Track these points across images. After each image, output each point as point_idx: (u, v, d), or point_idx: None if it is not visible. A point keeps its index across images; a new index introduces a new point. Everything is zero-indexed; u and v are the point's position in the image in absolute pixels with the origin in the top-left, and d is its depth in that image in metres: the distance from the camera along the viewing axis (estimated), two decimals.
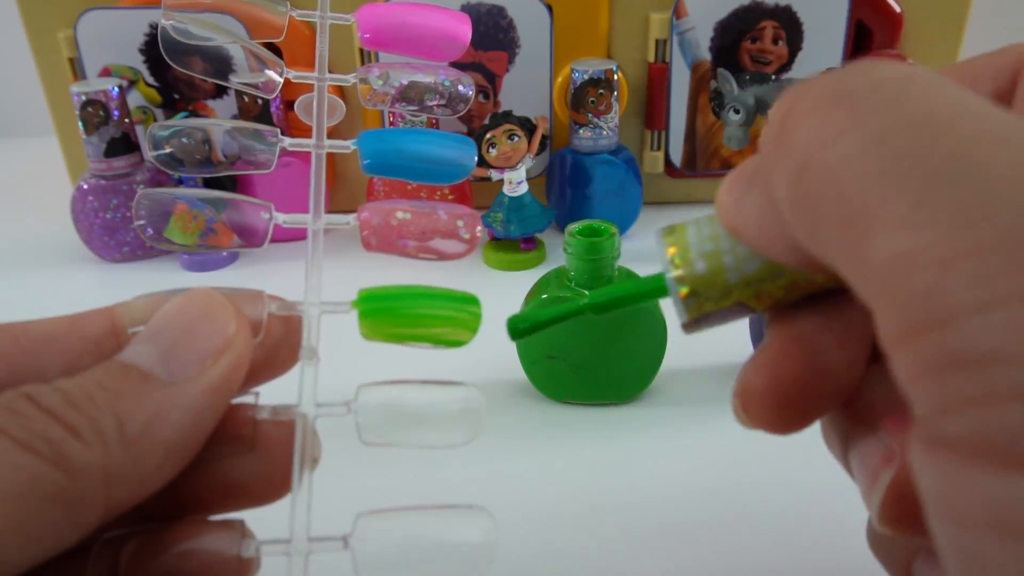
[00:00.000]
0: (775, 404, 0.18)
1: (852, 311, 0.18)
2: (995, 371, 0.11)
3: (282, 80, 0.23)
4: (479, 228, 0.23)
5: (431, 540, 0.20)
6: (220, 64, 0.23)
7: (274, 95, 0.23)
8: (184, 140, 0.23)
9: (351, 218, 0.22)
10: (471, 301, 0.22)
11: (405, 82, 0.24)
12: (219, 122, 0.23)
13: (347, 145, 0.23)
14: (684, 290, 0.18)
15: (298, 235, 0.60)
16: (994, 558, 0.11)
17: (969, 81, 0.19)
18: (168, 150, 0.23)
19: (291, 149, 0.23)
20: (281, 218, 0.22)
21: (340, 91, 0.57)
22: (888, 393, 0.18)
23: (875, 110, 0.14)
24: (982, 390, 0.11)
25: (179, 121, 0.23)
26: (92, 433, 0.16)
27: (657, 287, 0.19)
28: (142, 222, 0.22)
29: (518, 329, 0.21)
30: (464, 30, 0.24)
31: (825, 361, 0.18)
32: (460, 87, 0.24)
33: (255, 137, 0.23)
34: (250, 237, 0.22)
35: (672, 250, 0.19)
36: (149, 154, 0.24)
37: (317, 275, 0.22)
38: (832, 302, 0.18)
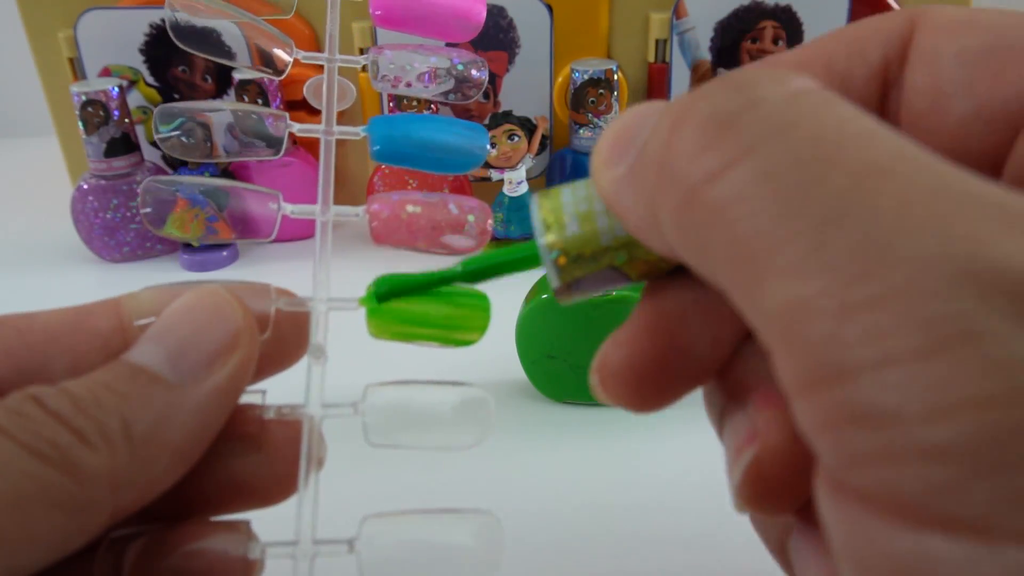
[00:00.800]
0: (631, 381, 0.17)
1: None
2: (896, 430, 0.11)
3: (292, 60, 0.23)
4: (490, 222, 0.22)
5: (437, 544, 0.20)
6: (226, 49, 0.22)
7: (284, 75, 0.23)
8: (184, 139, 0.23)
9: (360, 210, 0.22)
10: (480, 299, 0.21)
11: (416, 65, 0.23)
12: (224, 107, 0.23)
13: (357, 131, 0.22)
14: (555, 253, 0.17)
15: (299, 234, 0.60)
16: None
17: (857, 48, 0.18)
18: (171, 143, 0.23)
19: (300, 134, 0.22)
20: (289, 208, 0.22)
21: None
22: (757, 369, 0.17)
23: (761, 139, 0.13)
24: (885, 447, 0.11)
25: (183, 105, 0.23)
26: (99, 438, 0.16)
27: (530, 254, 0.19)
28: (148, 210, 0.22)
29: (381, 292, 0.20)
30: (479, 9, 0.24)
31: (686, 339, 0.17)
32: (474, 71, 0.24)
33: (258, 124, 0.22)
34: (256, 228, 0.22)
35: (544, 211, 0.18)
36: (155, 137, 0.23)
37: (325, 270, 0.21)
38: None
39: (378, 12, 0.23)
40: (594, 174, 0.17)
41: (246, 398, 0.20)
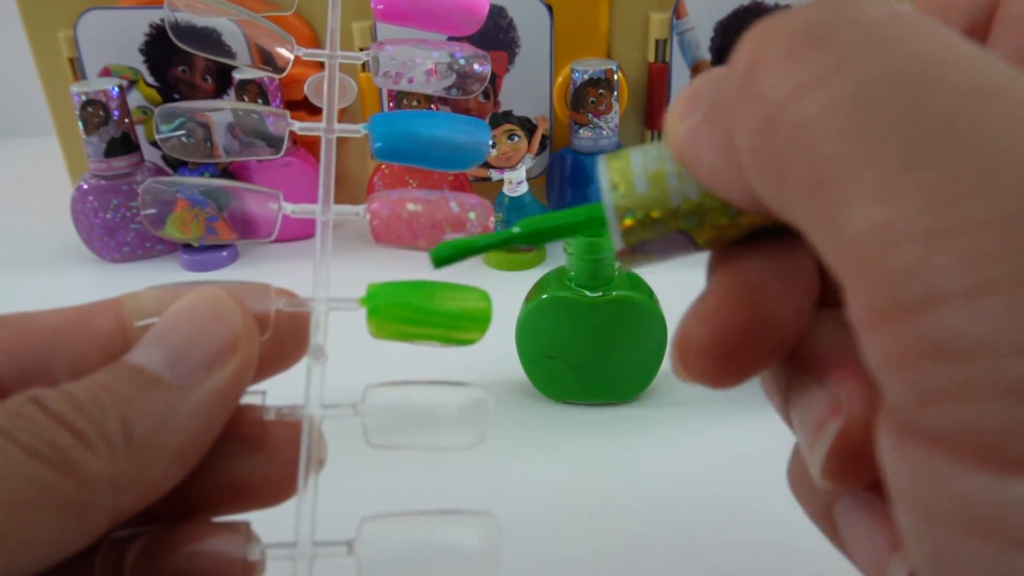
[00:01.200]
0: (717, 357, 0.16)
1: (801, 254, 0.17)
2: (983, 363, 0.10)
3: (293, 57, 0.22)
4: (492, 219, 0.22)
5: (435, 545, 0.20)
6: (227, 49, 0.22)
7: (285, 73, 0.23)
8: (184, 139, 0.23)
9: (361, 209, 0.22)
10: (481, 297, 0.21)
11: (418, 60, 0.23)
12: (225, 106, 0.23)
13: (358, 129, 0.22)
14: (622, 213, 0.17)
15: (299, 235, 0.60)
16: (974, 562, 0.11)
17: (940, 11, 0.17)
18: (171, 144, 0.23)
19: (301, 132, 0.22)
20: (290, 208, 0.22)
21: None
22: (835, 340, 0.17)
23: (856, 57, 0.12)
24: (967, 383, 0.10)
25: (184, 105, 0.23)
26: (100, 440, 0.16)
27: (594, 215, 0.17)
28: (152, 211, 0.21)
29: (442, 257, 0.19)
30: (481, 2, 0.23)
31: (771, 310, 0.16)
32: (476, 65, 0.23)
33: (259, 123, 0.22)
34: (256, 228, 0.22)
35: (613, 170, 0.17)
36: (156, 137, 0.23)
37: (326, 270, 0.21)
38: (779, 244, 0.17)
39: (380, 6, 0.23)
40: (667, 129, 0.16)
41: (246, 399, 0.20)
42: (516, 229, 0.18)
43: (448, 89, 0.23)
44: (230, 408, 0.19)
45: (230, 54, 0.22)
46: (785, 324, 0.16)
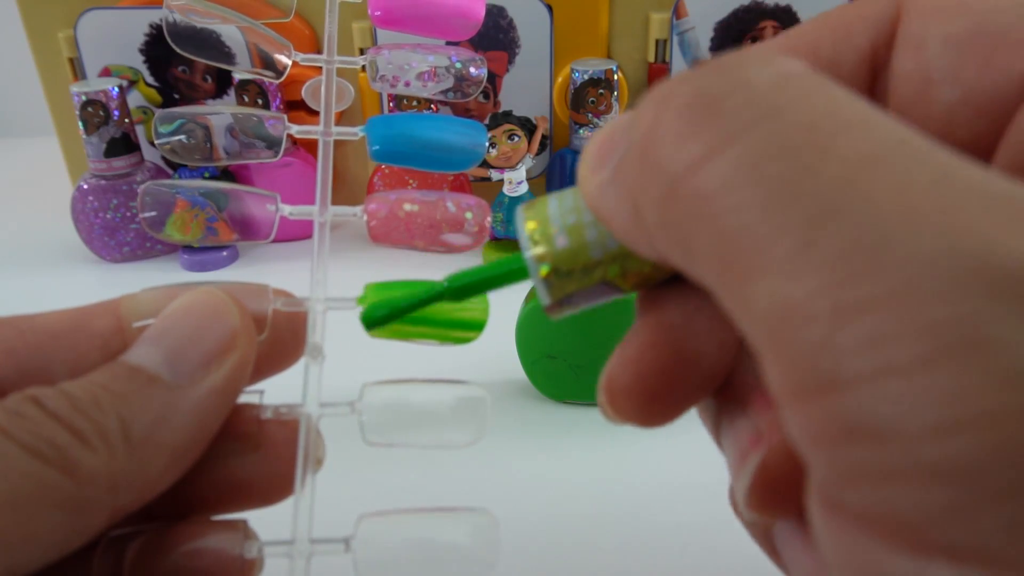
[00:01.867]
0: (643, 399, 0.16)
1: None
2: (895, 446, 0.10)
3: (291, 62, 0.23)
4: (488, 219, 0.22)
5: (433, 542, 0.20)
6: (225, 51, 0.22)
7: (283, 78, 0.23)
8: (184, 139, 0.23)
9: (358, 210, 0.22)
10: (479, 297, 0.21)
11: (416, 64, 0.23)
12: (223, 110, 0.23)
13: (355, 132, 0.22)
14: (545, 269, 0.16)
15: (299, 235, 0.60)
16: None
17: (844, 34, 0.17)
18: (170, 146, 0.23)
19: (298, 136, 0.22)
20: (287, 209, 0.22)
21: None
22: (753, 371, 0.17)
23: (748, 125, 0.12)
24: (883, 465, 0.10)
25: (183, 110, 0.23)
26: (98, 438, 0.16)
27: (517, 268, 0.17)
28: (151, 214, 0.22)
29: (374, 318, 0.19)
30: (478, 7, 0.23)
31: (694, 348, 0.16)
32: (472, 69, 0.23)
33: (258, 127, 0.22)
34: (255, 230, 0.22)
35: (531, 225, 0.17)
36: (155, 142, 0.23)
37: (323, 270, 0.21)
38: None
39: (377, 12, 0.23)
40: (580, 182, 0.16)
41: (244, 398, 0.20)
42: (444, 284, 0.19)
43: (445, 92, 0.23)
44: (228, 407, 0.19)
45: (228, 59, 0.22)
46: (709, 360, 0.17)
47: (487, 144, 0.22)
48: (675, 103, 0.13)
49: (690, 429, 0.37)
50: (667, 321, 0.17)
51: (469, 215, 0.22)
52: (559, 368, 0.38)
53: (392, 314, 0.19)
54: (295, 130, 0.22)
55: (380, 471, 0.34)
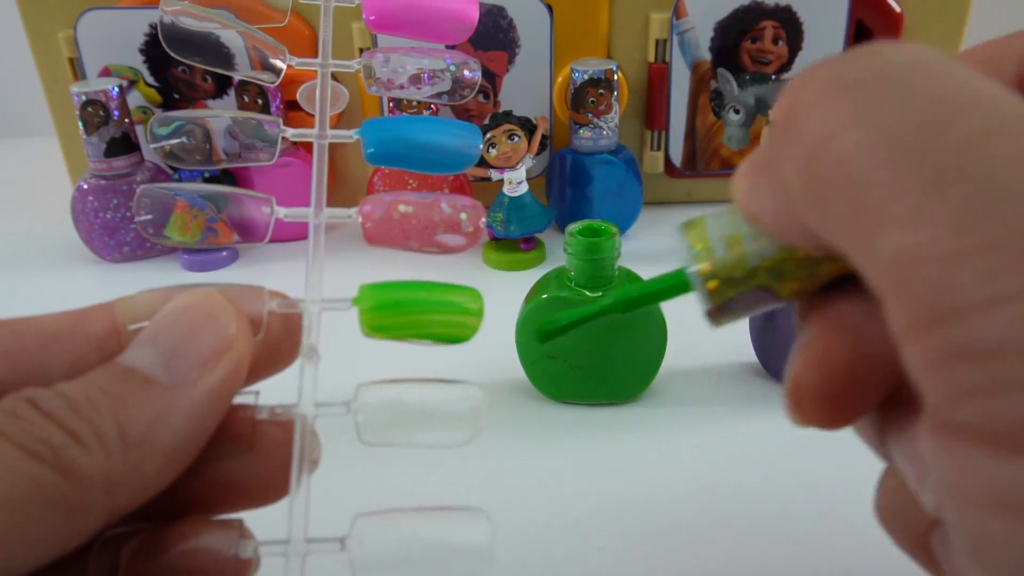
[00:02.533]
0: (829, 400, 0.17)
1: None
2: (1000, 363, 0.12)
3: (285, 67, 0.23)
4: (483, 220, 0.22)
5: (429, 542, 0.20)
6: (222, 53, 0.22)
7: (277, 82, 0.23)
8: (184, 140, 0.23)
9: (353, 211, 0.22)
10: (473, 296, 0.21)
11: (410, 67, 0.23)
12: (220, 113, 0.23)
13: (350, 135, 0.22)
14: (707, 278, 0.18)
15: (298, 235, 0.60)
16: (998, 536, 0.12)
17: (994, 61, 0.18)
18: (168, 149, 0.23)
19: (293, 139, 0.22)
20: (283, 212, 0.22)
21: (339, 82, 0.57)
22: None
23: (881, 100, 0.14)
24: (988, 381, 0.12)
25: (180, 113, 0.23)
26: (94, 438, 0.16)
27: (680, 282, 0.20)
28: (148, 216, 0.22)
29: (547, 332, 0.22)
30: (471, 11, 0.23)
31: (871, 348, 0.17)
32: (466, 71, 0.23)
33: (256, 129, 0.22)
34: (251, 232, 0.22)
35: (692, 239, 0.19)
36: (150, 146, 0.23)
37: (318, 271, 0.21)
38: (863, 285, 0.17)
39: (371, 17, 0.23)
40: (734, 194, 0.18)
41: (239, 399, 0.20)
42: (609, 300, 0.21)
43: (439, 95, 0.24)
44: (223, 408, 0.19)
45: (224, 63, 0.23)
46: (887, 360, 0.17)
47: (481, 146, 0.23)
48: (814, 85, 0.15)
49: (690, 429, 0.37)
50: (843, 322, 0.18)
51: (464, 216, 0.22)
52: (559, 368, 0.38)
53: (563, 329, 0.22)
54: (290, 133, 0.22)
55: (378, 471, 0.34)
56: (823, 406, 0.18)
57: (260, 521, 0.20)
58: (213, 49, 0.22)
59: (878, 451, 0.19)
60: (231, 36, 0.22)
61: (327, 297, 0.21)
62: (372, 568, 0.20)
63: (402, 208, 0.22)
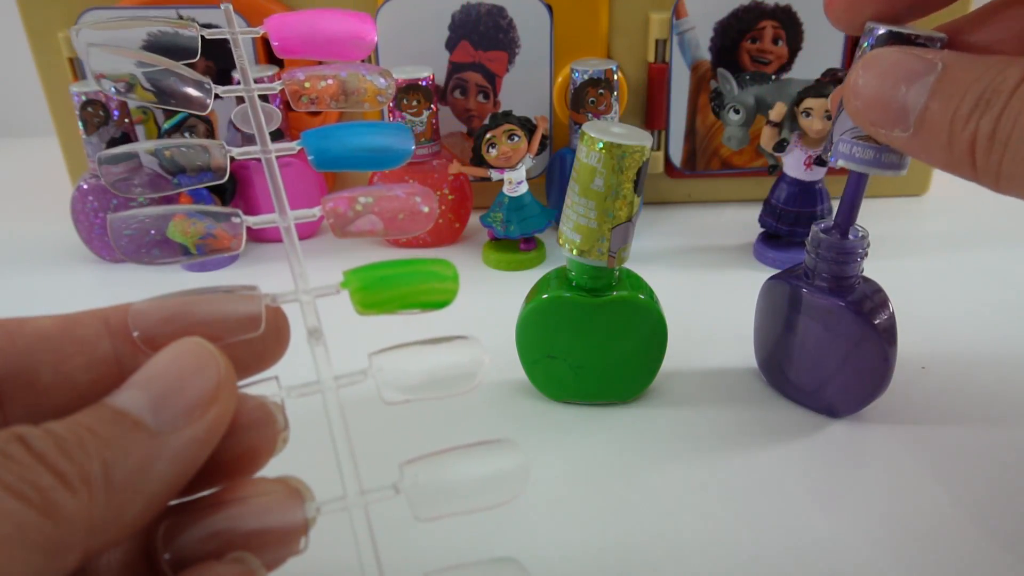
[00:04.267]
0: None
1: None
2: None
3: (211, 99, 0.24)
4: (435, 202, 0.24)
5: (471, 473, 0.22)
6: (149, 88, 0.24)
7: (207, 112, 0.25)
8: (186, 134, 0.24)
9: (316, 210, 0.24)
10: (446, 265, 0.23)
11: (330, 82, 0.25)
12: (157, 144, 0.24)
13: (292, 146, 0.24)
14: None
15: (299, 235, 0.60)
16: None
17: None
18: (120, 178, 0.25)
19: (239, 158, 0.24)
20: (251, 220, 0.23)
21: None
22: None
23: (1011, 130, 0.20)
24: None
25: (121, 148, 0.25)
26: (80, 481, 0.17)
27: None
28: (124, 243, 0.23)
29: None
30: (368, 29, 0.26)
31: None
32: (381, 79, 0.26)
33: (200, 153, 0.24)
34: (224, 244, 0.23)
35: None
36: (101, 177, 0.25)
37: (299, 265, 0.23)
38: None
39: (276, 43, 0.25)
40: (874, 132, 0.26)
41: (260, 386, 0.22)
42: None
43: (360, 104, 0.26)
44: (204, 456, 0.20)
45: (153, 100, 0.24)
46: None
47: (412, 142, 0.26)
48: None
49: (690, 430, 0.37)
50: None
51: (418, 198, 0.24)
52: (559, 368, 0.38)
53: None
54: (236, 152, 0.24)
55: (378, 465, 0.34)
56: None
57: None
58: (144, 83, 0.24)
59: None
60: (156, 81, 0.24)
61: (316, 286, 0.23)
62: (427, 504, 0.22)
63: (362, 200, 0.24)
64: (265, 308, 0.21)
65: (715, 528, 0.31)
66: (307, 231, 0.57)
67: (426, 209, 0.24)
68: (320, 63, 0.26)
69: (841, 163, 0.29)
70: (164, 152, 0.24)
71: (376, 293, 0.23)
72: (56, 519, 0.16)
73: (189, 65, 0.24)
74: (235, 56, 0.25)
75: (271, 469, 0.22)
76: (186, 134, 0.53)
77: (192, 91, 0.24)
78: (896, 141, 0.25)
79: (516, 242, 0.53)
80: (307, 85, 0.25)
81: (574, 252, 0.35)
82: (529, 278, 0.40)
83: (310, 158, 0.24)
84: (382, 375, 0.22)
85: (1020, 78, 0.21)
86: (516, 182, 0.51)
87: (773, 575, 0.29)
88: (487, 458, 0.22)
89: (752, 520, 0.32)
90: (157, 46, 0.24)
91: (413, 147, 0.25)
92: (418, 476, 0.22)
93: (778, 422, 0.37)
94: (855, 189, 0.34)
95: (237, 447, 0.21)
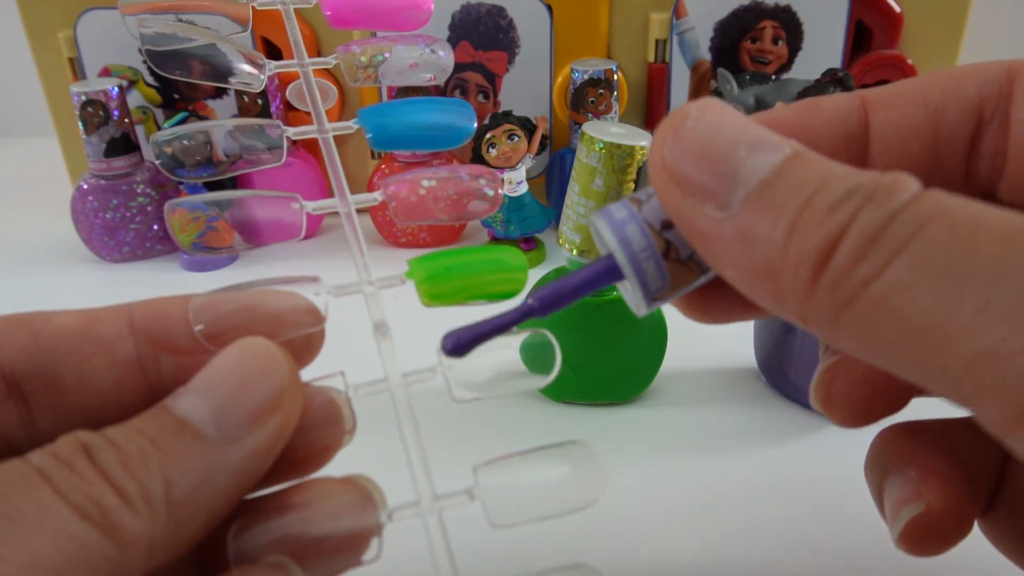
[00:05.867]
0: (854, 404, 0.21)
1: None
2: None
3: (265, 75, 0.23)
4: (501, 189, 0.23)
5: (548, 477, 0.21)
6: (204, 65, 0.23)
7: (260, 87, 0.23)
8: (185, 142, 0.24)
9: (378, 195, 0.23)
10: (514, 253, 0.22)
11: (387, 55, 0.24)
12: (222, 123, 0.23)
13: (350, 125, 0.23)
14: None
15: (294, 235, 0.60)
16: None
17: (954, 86, 0.20)
18: (169, 151, 0.23)
19: (296, 138, 0.23)
20: (311, 205, 0.22)
21: (331, 77, 0.57)
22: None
23: (907, 240, 0.14)
24: None
25: (181, 127, 0.23)
26: (142, 501, 0.16)
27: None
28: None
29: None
30: None
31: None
32: (440, 51, 0.25)
33: (258, 134, 0.23)
34: (284, 230, 0.22)
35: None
36: (155, 161, 0.24)
37: (362, 254, 0.22)
38: None
39: (328, 12, 0.24)
40: (672, 198, 0.17)
41: (327, 380, 0.20)
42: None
43: (420, 78, 0.25)
44: (266, 467, 0.19)
45: (210, 75, 0.23)
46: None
47: (475, 119, 0.24)
48: (847, 237, 0.15)
49: (689, 430, 0.37)
50: None
51: (483, 181, 0.23)
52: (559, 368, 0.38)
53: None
54: (292, 132, 0.23)
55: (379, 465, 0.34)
56: (851, 405, 0.21)
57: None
58: (196, 59, 0.23)
59: (876, 491, 0.23)
60: (209, 51, 0.23)
61: (379, 277, 0.22)
62: (504, 511, 0.20)
63: (425, 183, 0.22)
64: (327, 301, 0.20)
65: (715, 528, 0.31)
66: (310, 228, 0.57)
67: (491, 192, 0.23)
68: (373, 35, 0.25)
69: (599, 227, 0.19)
70: (235, 130, 0.23)
71: (443, 283, 0.21)
72: (118, 540, 0.16)
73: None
74: (288, 29, 0.23)
75: (340, 464, 0.21)
76: (184, 141, 0.53)
77: (246, 67, 0.23)
78: (700, 224, 0.16)
79: (516, 242, 0.53)
80: (363, 59, 0.24)
81: (574, 252, 0.35)
82: (529, 278, 0.40)
83: (368, 136, 0.23)
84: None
85: (919, 188, 0.15)
86: (516, 182, 0.51)
87: (773, 575, 0.29)
88: (563, 462, 0.21)
89: (752, 520, 0.32)
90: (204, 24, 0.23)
91: (475, 125, 0.24)
92: (492, 479, 0.21)
93: (778, 422, 0.37)
94: (586, 281, 0.20)
95: (305, 446, 0.20)
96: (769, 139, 0.17)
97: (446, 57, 0.25)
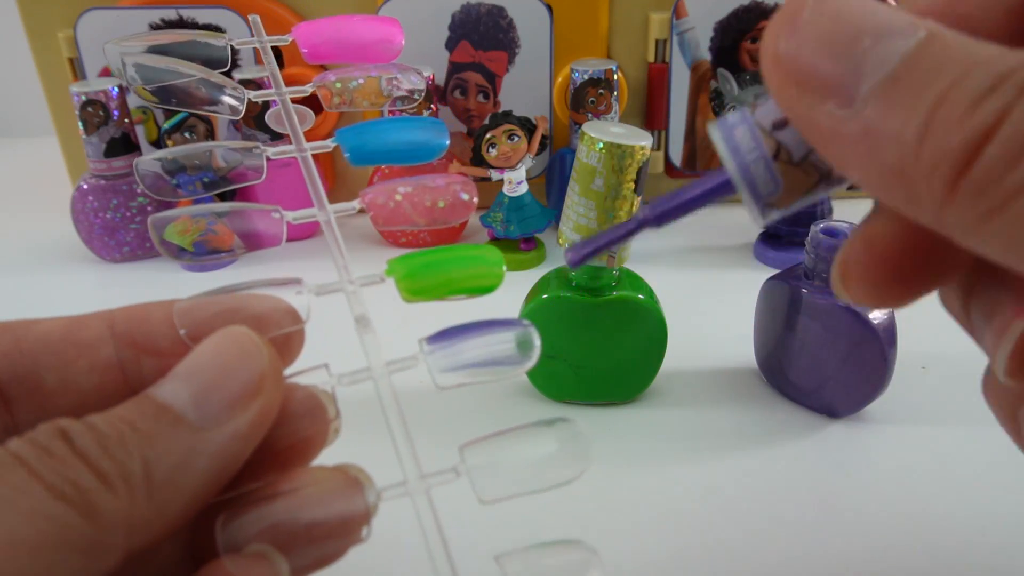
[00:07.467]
0: (873, 278, 0.17)
1: None
2: None
3: (243, 105, 0.25)
4: (475, 190, 0.24)
5: (533, 452, 0.22)
6: (184, 96, 0.25)
7: (240, 116, 0.25)
8: (187, 135, 0.24)
9: (355, 203, 0.24)
10: (489, 249, 0.23)
11: (361, 81, 0.26)
12: (208, 145, 0.25)
13: (327, 144, 0.24)
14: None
15: (297, 235, 0.60)
16: None
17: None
18: (169, 157, 0.25)
19: (275, 157, 0.24)
20: (291, 215, 0.23)
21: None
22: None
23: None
24: None
25: (174, 149, 0.25)
26: (121, 481, 0.16)
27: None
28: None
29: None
30: (396, 31, 0.26)
31: (918, 235, 0.16)
32: (413, 76, 0.26)
33: (244, 153, 0.25)
34: (264, 239, 0.23)
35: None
36: (148, 167, 0.26)
37: (341, 256, 0.23)
38: None
39: (305, 49, 0.26)
40: (788, 97, 0.15)
41: (311, 375, 0.21)
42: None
43: (395, 102, 0.27)
44: (248, 451, 0.19)
45: (186, 105, 0.25)
46: (935, 247, 0.16)
47: (447, 135, 0.26)
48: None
49: (689, 430, 0.37)
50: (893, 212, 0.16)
51: (457, 187, 0.24)
52: (559, 368, 0.38)
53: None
54: (272, 152, 0.25)
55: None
56: (867, 283, 0.17)
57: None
58: (177, 91, 0.25)
59: (963, 324, 0.19)
60: (193, 86, 0.24)
61: (360, 275, 0.23)
62: (490, 485, 0.21)
63: (401, 190, 0.24)
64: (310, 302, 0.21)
65: (715, 527, 0.31)
66: (306, 231, 0.57)
67: (466, 197, 0.24)
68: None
69: (712, 134, 0.18)
70: (222, 153, 0.24)
71: (422, 280, 0.22)
72: (96, 521, 0.16)
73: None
74: (265, 63, 0.25)
75: (325, 459, 0.21)
76: (186, 134, 0.53)
77: (228, 99, 0.25)
78: (821, 123, 0.15)
79: (516, 242, 0.53)
80: (338, 86, 0.25)
81: None
82: (529, 278, 0.40)
83: (346, 155, 0.25)
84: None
85: None
86: (516, 182, 0.51)
87: (773, 574, 0.29)
88: (547, 437, 0.22)
89: (752, 520, 0.32)
90: (189, 57, 0.25)
91: (448, 141, 0.25)
92: (478, 457, 0.21)
93: (778, 422, 0.37)
94: (701, 193, 0.20)
95: (288, 437, 0.20)
96: (899, 22, 0.14)
97: (418, 82, 0.26)
